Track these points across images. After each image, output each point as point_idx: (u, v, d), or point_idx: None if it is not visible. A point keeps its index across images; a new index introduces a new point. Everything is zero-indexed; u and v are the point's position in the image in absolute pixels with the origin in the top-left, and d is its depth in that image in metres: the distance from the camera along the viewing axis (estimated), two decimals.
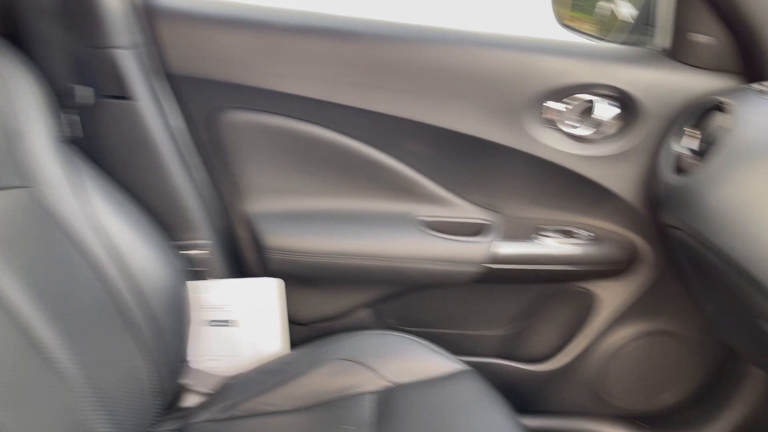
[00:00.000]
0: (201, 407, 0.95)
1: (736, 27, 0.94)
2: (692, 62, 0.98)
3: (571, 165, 1.04)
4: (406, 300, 1.16)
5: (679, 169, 0.94)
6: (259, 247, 1.08)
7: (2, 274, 0.71)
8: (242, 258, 1.13)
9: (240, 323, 1.04)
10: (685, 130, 0.97)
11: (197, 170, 1.05)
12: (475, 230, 1.09)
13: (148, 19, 0.97)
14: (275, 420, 0.90)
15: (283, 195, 1.09)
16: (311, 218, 1.08)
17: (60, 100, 0.88)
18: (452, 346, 1.03)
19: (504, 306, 1.18)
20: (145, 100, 0.95)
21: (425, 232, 1.08)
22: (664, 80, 0.99)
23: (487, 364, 1.19)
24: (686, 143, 0.96)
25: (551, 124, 1.03)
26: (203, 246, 1.03)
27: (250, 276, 1.09)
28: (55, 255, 0.78)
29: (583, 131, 1.03)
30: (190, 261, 1.01)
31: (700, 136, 0.95)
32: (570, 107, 1.02)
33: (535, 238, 1.09)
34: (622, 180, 1.04)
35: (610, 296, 1.14)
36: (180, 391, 1.02)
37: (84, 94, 0.93)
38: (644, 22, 1.09)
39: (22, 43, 0.89)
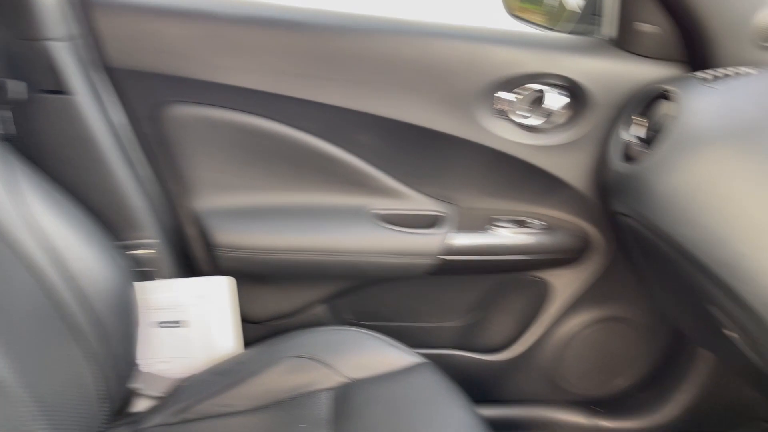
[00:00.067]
0: (152, 411, 0.92)
1: (680, 16, 0.96)
2: (638, 51, 1.00)
3: (523, 155, 1.04)
4: (362, 294, 1.15)
5: (628, 157, 0.96)
6: (208, 245, 1.05)
7: None
8: (192, 256, 1.10)
9: (191, 323, 1.02)
10: (632, 119, 0.98)
11: (141, 167, 1.02)
12: (429, 222, 1.09)
13: (85, 9, 0.93)
14: (229, 421, 0.87)
15: (233, 191, 1.06)
16: (262, 214, 1.06)
17: None
18: (409, 339, 1.03)
19: (460, 297, 1.18)
20: (84, 95, 0.91)
21: (380, 225, 1.07)
22: (612, 69, 1.01)
23: (445, 356, 1.19)
24: (634, 131, 0.97)
25: (502, 114, 1.03)
26: (150, 245, 1.00)
27: (201, 275, 1.06)
28: None
29: (533, 121, 1.04)
30: (137, 261, 0.98)
31: (647, 124, 0.96)
32: (520, 97, 1.03)
33: (489, 229, 1.09)
34: (572, 169, 1.05)
35: (564, 284, 1.15)
36: (129, 395, 0.99)
37: (16, 88, 0.88)
38: (591, 12, 1.10)
39: None
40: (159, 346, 1.01)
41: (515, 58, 1.00)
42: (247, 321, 1.08)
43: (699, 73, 0.94)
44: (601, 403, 1.24)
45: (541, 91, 1.02)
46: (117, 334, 0.86)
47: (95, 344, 0.81)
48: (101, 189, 0.95)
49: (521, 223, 1.10)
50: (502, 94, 1.02)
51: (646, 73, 0.99)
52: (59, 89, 0.89)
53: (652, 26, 0.98)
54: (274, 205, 1.07)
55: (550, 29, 1.14)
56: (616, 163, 0.97)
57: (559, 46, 1.03)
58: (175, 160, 1.04)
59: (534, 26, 1.16)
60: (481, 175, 1.09)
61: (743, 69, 0.92)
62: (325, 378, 0.91)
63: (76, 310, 0.80)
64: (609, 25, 1.04)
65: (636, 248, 1.03)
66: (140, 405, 0.99)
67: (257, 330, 1.12)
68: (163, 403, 0.93)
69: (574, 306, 1.17)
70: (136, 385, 0.99)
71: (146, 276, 1.00)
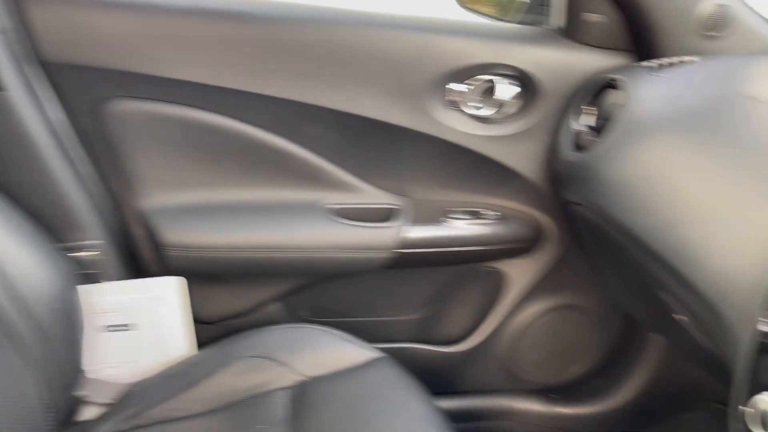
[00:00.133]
0: (101, 419, 0.89)
1: (626, 6, 0.97)
2: (586, 41, 1.01)
3: (475, 146, 1.04)
4: (318, 291, 1.13)
5: (578, 146, 0.97)
6: (156, 245, 1.02)
7: None
8: (139, 257, 1.06)
9: (140, 326, 0.98)
10: (582, 108, 0.99)
11: (82, 165, 0.98)
12: (384, 216, 1.08)
13: (16, 1, 0.89)
14: (183, 426, 0.85)
15: (181, 188, 1.03)
16: (212, 211, 1.03)
17: None
18: (367, 334, 1.02)
19: (416, 290, 1.18)
20: (17, 90, 0.87)
21: (334, 220, 1.05)
22: (561, 59, 1.01)
23: (403, 350, 1.18)
24: (584, 120, 0.98)
25: (454, 105, 1.03)
26: (94, 246, 0.96)
27: (149, 276, 1.03)
28: None
29: (485, 112, 1.04)
30: (80, 263, 0.94)
31: (596, 113, 0.97)
32: (472, 88, 1.02)
33: (443, 221, 1.09)
34: (524, 159, 1.06)
35: (519, 274, 1.16)
36: (76, 403, 0.95)
37: None
38: (540, 3, 1.11)
39: None
40: (107, 351, 0.98)
41: (466, 49, 1.00)
42: (199, 322, 1.05)
43: (645, 63, 0.96)
44: (557, 390, 1.26)
45: (491, 81, 1.02)
46: (60, 341, 0.82)
47: (37, 352, 0.78)
48: (39, 189, 0.91)
49: (475, 214, 1.10)
50: (453, 86, 1.02)
51: (594, 63, 1.01)
52: None
53: (599, 16, 0.99)
54: (224, 201, 1.04)
55: (500, 20, 1.14)
56: (567, 152, 0.98)
57: (508, 36, 1.03)
58: (119, 157, 1.00)
59: (484, 17, 1.16)
60: (435, 167, 1.09)
61: (687, 58, 0.94)
62: (280, 377, 0.89)
63: (14, 317, 0.76)
64: (557, 15, 1.04)
65: (588, 236, 1.05)
66: (88, 413, 0.96)
67: (210, 330, 1.09)
68: (113, 409, 0.90)
69: (529, 295, 1.18)
70: (83, 392, 0.95)
71: (91, 279, 0.96)
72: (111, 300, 0.97)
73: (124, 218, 1.04)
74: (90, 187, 0.98)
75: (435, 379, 1.10)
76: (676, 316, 0.82)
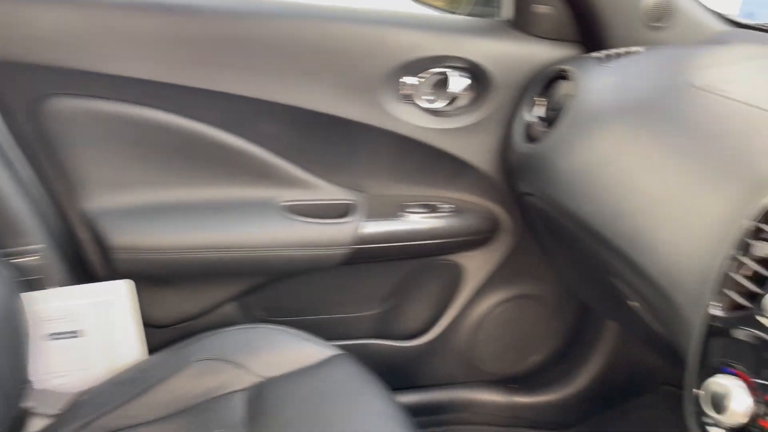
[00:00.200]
0: (49, 431, 0.85)
1: None
2: (536, 32, 1.02)
3: (430, 139, 1.04)
4: (274, 290, 1.11)
5: (530, 138, 0.97)
6: (103, 248, 0.99)
7: None
8: (85, 261, 1.03)
9: (88, 333, 0.95)
10: (534, 99, 1.00)
11: (21, 167, 0.93)
12: (340, 212, 1.07)
13: None
14: None
15: (128, 189, 1.00)
16: (161, 212, 1.00)
17: None
18: (325, 331, 1.01)
19: (375, 285, 1.17)
20: None
21: (288, 217, 1.04)
22: (511, 51, 1.02)
23: (362, 346, 1.18)
24: (535, 112, 0.99)
25: (408, 99, 1.03)
26: (36, 251, 0.92)
27: (96, 280, 0.99)
28: None
29: (438, 105, 1.04)
30: (22, 270, 0.91)
31: (547, 104, 0.98)
32: (424, 81, 1.02)
33: (400, 215, 1.09)
34: (478, 151, 1.06)
35: (476, 266, 1.17)
36: (23, 416, 0.91)
37: None
38: None
39: None
40: (54, 360, 0.94)
41: (418, 42, 1.00)
42: (150, 326, 1.02)
43: (594, 53, 0.97)
44: (516, 380, 1.27)
45: (444, 74, 1.02)
46: (3, 351, 0.79)
47: None
48: None
49: (432, 208, 1.10)
50: (406, 79, 1.01)
51: (545, 54, 1.01)
52: None
53: (547, 8, 1.00)
54: (174, 201, 1.01)
55: (451, 12, 1.14)
56: (520, 143, 0.99)
57: (460, 28, 1.03)
58: (60, 157, 0.96)
59: (435, 9, 1.16)
60: (390, 162, 1.09)
61: (633, 48, 0.96)
62: (237, 379, 0.87)
63: None
64: (507, 8, 1.05)
65: (542, 226, 1.06)
66: (35, 425, 0.92)
67: (162, 335, 1.06)
68: (61, 420, 0.87)
69: (486, 287, 1.19)
70: (30, 404, 0.92)
71: (35, 285, 0.93)
72: (57, 307, 0.94)
73: (67, 221, 1.00)
74: (30, 189, 0.94)
75: (395, 374, 1.10)
76: (630, 303, 0.84)
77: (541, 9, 1.00)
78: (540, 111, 0.99)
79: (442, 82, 1.03)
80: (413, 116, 1.03)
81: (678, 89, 0.81)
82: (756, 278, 0.54)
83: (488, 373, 1.26)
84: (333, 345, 0.94)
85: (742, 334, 0.53)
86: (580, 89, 0.91)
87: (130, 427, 0.83)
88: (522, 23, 1.02)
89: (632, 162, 0.78)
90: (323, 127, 1.02)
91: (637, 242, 0.72)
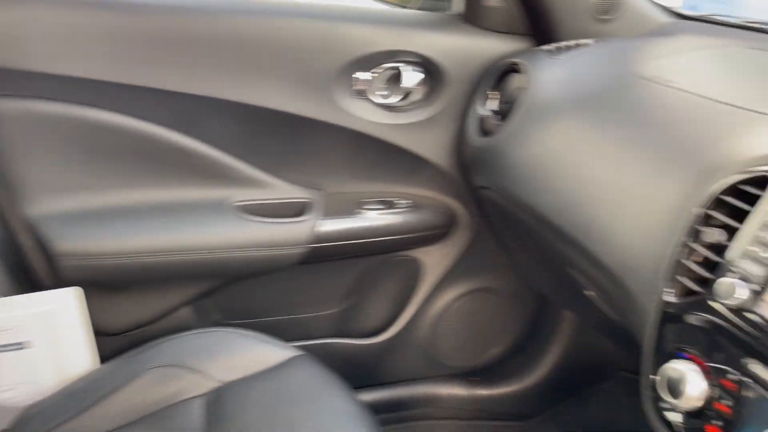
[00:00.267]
0: None
1: None
2: (487, 26, 1.02)
3: (384, 135, 1.04)
4: (230, 292, 1.09)
5: (484, 131, 0.98)
6: (48, 255, 0.95)
7: None
8: (29, 269, 0.99)
9: (35, 344, 0.91)
10: (487, 93, 1.00)
11: None
12: (296, 210, 1.05)
13: None
14: None
15: (73, 193, 0.96)
16: (109, 216, 0.97)
17: None
18: (285, 332, 1.00)
19: (333, 284, 1.16)
20: None
21: (243, 217, 1.02)
22: (464, 45, 1.02)
23: (322, 345, 1.16)
24: (489, 105, 0.99)
25: (361, 94, 1.02)
26: None
27: (42, 289, 0.95)
28: None
29: (392, 100, 1.03)
30: None
31: (500, 98, 0.99)
32: (376, 76, 1.01)
33: (357, 212, 1.08)
34: (433, 146, 1.06)
35: (434, 261, 1.17)
36: None
37: None
38: None
39: None
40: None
41: (370, 37, 0.99)
42: (101, 334, 0.99)
43: (545, 46, 0.98)
44: (477, 372, 1.28)
45: (397, 69, 1.01)
46: None
47: None
48: None
49: (389, 204, 1.10)
50: (359, 74, 1.00)
51: (496, 48, 1.02)
52: None
53: (498, 1, 1.00)
54: (123, 204, 0.98)
55: (403, 6, 1.14)
56: (474, 137, 0.99)
57: (411, 23, 1.03)
58: (0, 161, 0.92)
59: (387, 4, 1.16)
60: (346, 158, 1.08)
61: (582, 41, 0.97)
62: (194, 385, 0.85)
63: None
64: (458, 1, 1.05)
65: (498, 219, 1.06)
66: None
67: (115, 343, 1.03)
68: None
69: (445, 281, 1.19)
70: None
71: None
72: (0, 317, 0.89)
73: (9, 228, 0.96)
74: None
75: (356, 373, 1.09)
76: (586, 293, 0.85)
77: (492, 2, 1.00)
78: (493, 104, 0.99)
79: (396, 77, 1.02)
80: (367, 112, 1.02)
81: (626, 80, 0.82)
82: (707, 264, 0.55)
83: (449, 367, 1.27)
84: (292, 346, 0.93)
85: (695, 319, 0.54)
86: (532, 82, 0.92)
87: None
88: (473, 17, 1.03)
89: (584, 153, 0.79)
90: (276, 124, 1.01)
91: (591, 232, 0.73)
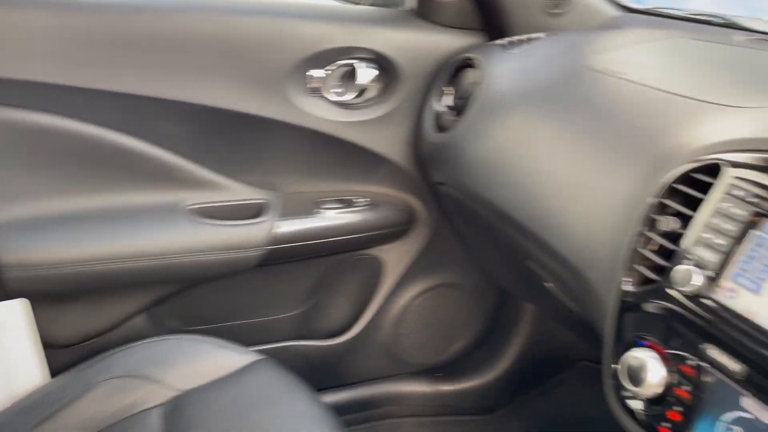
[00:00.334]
0: None
1: None
2: (440, 21, 1.02)
3: (340, 133, 1.03)
4: (187, 297, 1.06)
5: (441, 127, 0.98)
6: None
7: None
8: None
9: None
10: (442, 89, 1.00)
11: None
12: (252, 212, 1.03)
13: None
14: None
15: (16, 200, 0.92)
16: (56, 223, 0.93)
17: None
18: (244, 337, 0.98)
19: (293, 286, 1.15)
20: None
21: (197, 221, 0.99)
22: (417, 40, 1.02)
23: (284, 349, 1.15)
24: (444, 101, 0.99)
25: (316, 92, 1.01)
26: None
27: None
28: None
29: (347, 97, 1.02)
30: None
31: (454, 93, 0.98)
32: (330, 73, 1.00)
33: (315, 212, 1.06)
34: (390, 143, 1.06)
35: (394, 258, 1.16)
36: None
37: None
38: None
39: None
40: None
41: (322, 34, 0.98)
42: (51, 347, 0.95)
43: (498, 41, 0.99)
44: (440, 368, 1.28)
45: (351, 66, 1.00)
46: None
47: None
48: None
49: (347, 203, 1.09)
50: (313, 72, 0.99)
51: (450, 43, 1.02)
52: None
53: None
54: (70, 211, 0.94)
55: (355, 3, 1.13)
56: (430, 133, 0.99)
57: (364, 19, 1.02)
58: None
59: (339, 0, 1.14)
60: (302, 157, 1.06)
61: (534, 35, 0.98)
62: (151, 395, 0.82)
63: None
64: None
65: (457, 215, 1.06)
66: None
67: (66, 355, 0.99)
68: None
69: (406, 278, 1.19)
70: None
71: None
72: None
73: None
74: None
75: (319, 375, 1.08)
76: (546, 285, 0.85)
77: None
78: (448, 100, 0.99)
79: (350, 74, 1.01)
80: (322, 110, 1.01)
81: (578, 73, 0.83)
82: (663, 252, 0.56)
83: (413, 365, 1.26)
84: (253, 350, 0.91)
85: (653, 307, 0.55)
86: (486, 77, 0.92)
87: None
88: (426, 12, 1.03)
89: (539, 146, 0.80)
90: (229, 124, 0.98)
91: (548, 225, 0.74)
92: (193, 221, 0.99)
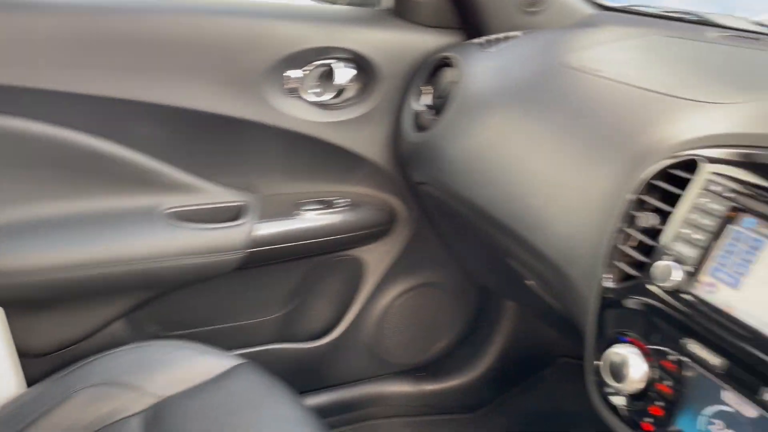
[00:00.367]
0: None
1: None
2: (417, 20, 1.02)
3: (319, 133, 1.02)
4: (166, 302, 1.05)
5: (420, 127, 0.97)
6: None
7: None
8: None
9: None
10: (420, 88, 1.00)
11: None
12: (231, 215, 1.02)
13: None
14: None
15: None
16: (28, 230, 0.91)
17: None
18: (225, 341, 0.97)
19: (274, 288, 1.14)
20: None
21: (176, 224, 0.98)
22: (395, 40, 1.02)
23: (265, 352, 1.14)
24: (423, 100, 0.99)
25: (294, 93, 1.00)
26: None
27: None
28: None
29: (325, 98, 1.02)
30: None
31: (433, 92, 0.98)
32: (309, 73, 0.99)
33: (295, 214, 1.05)
34: (369, 143, 1.05)
35: (376, 259, 1.16)
36: None
37: None
38: None
39: None
40: None
41: (299, 34, 0.97)
42: (27, 356, 0.93)
43: (475, 40, 0.99)
44: (423, 368, 1.28)
45: (329, 66, 1.00)
46: None
47: None
48: None
49: (327, 204, 1.08)
50: (290, 73, 0.98)
51: (428, 42, 1.02)
52: None
53: None
54: (45, 217, 0.92)
55: (332, 2, 1.12)
56: (409, 133, 0.99)
57: (341, 19, 1.02)
58: None
59: (315, 0, 1.14)
60: (281, 159, 1.05)
61: (511, 33, 0.98)
62: (131, 403, 0.81)
63: None
64: None
65: (438, 214, 1.06)
66: None
67: (42, 364, 0.97)
68: None
69: (388, 279, 1.18)
70: None
71: None
72: None
73: None
74: None
75: (301, 377, 1.07)
76: (527, 282, 0.86)
77: None
78: (427, 99, 0.99)
79: (328, 74, 1.00)
80: (300, 110, 1.00)
81: (555, 71, 0.84)
82: (643, 248, 0.56)
83: (396, 365, 1.26)
84: (234, 354, 0.90)
85: (633, 303, 0.55)
86: (464, 76, 0.92)
87: None
88: (403, 12, 1.02)
89: (518, 144, 0.80)
90: (206, 126, 0.97)
91: (529, 222, 0.74)
92: (171, 225, 0.97)
